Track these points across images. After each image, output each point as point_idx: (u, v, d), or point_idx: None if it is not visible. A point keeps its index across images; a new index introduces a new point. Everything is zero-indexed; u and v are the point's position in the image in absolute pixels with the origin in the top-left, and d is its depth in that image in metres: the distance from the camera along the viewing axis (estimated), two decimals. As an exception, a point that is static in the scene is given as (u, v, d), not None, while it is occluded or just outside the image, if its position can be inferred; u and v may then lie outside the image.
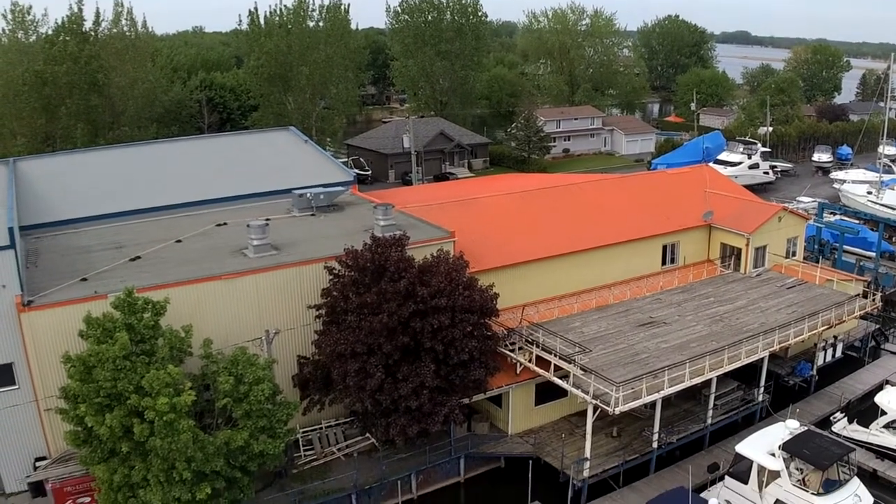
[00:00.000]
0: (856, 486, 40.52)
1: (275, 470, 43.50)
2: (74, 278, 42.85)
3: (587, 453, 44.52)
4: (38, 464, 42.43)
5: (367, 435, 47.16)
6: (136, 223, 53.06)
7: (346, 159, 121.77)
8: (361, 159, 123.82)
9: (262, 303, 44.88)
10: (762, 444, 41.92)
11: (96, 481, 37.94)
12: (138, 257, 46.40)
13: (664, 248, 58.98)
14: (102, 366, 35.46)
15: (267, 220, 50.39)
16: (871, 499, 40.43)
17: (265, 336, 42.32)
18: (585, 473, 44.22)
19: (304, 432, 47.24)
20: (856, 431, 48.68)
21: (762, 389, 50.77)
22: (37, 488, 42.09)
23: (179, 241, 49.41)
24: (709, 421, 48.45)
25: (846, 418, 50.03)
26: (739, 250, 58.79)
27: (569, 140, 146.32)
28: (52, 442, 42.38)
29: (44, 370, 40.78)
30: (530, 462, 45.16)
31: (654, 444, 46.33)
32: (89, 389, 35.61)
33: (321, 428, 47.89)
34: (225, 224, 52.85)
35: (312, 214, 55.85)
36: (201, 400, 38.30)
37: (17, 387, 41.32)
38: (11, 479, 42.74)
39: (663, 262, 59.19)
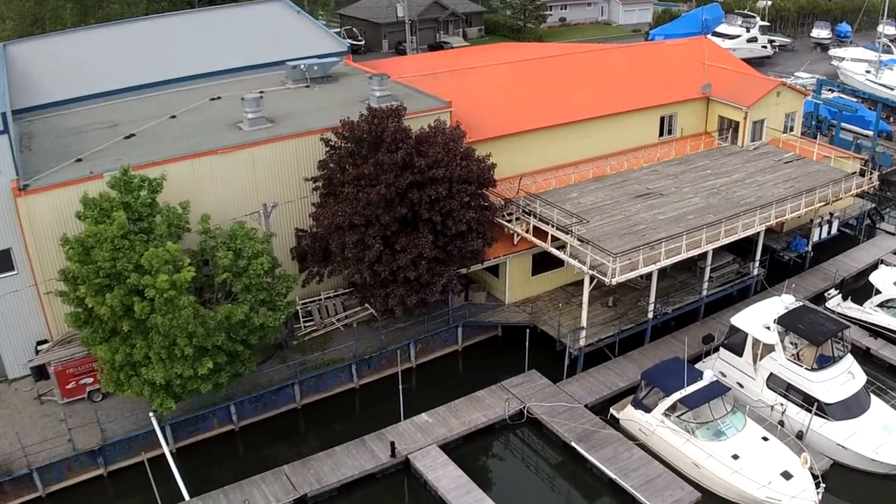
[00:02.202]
0: (849, 363, 41.24)
1: (275, 342, 44.23)
2: (69, 160, 42.31)
3: (583, 323, 45.03)
4: (39, 347, 42.79)
5: (366, 306, 47.72)
6: (129, 101, 52.05)
7: (338, 29, 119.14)
8: (354, 29, 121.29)
9: (258, 176, 44.61)
10: (757, 318, 42.43)
11: (98, 362, 38.39)
12: (133, 135, 45.71)
13: (662, 119, 58.33)
14: (101, 246, 35.34)
15: (261, 92, 49.60)
16: (864, 376, 41.23)
17: (263, 210, 42.18)
18: (581, 342, 44.85)
19: (303, 304, 47.73)
20: (850, 309, 49.22)
21: (757, 263, 51.01)
22: (39, 372, 42.49)
23: (173, 116, 48.60)
24: (704, 293, 48.83)
25: (840, 295, 50.51)
26: (737, 124, 58.22)
27: (565, 9, 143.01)
28: (53, 325, 42.68)
29: (42, 254, 40.72)
30: (527, 331, 45.82)
31: (650, 315, 46.85)
32: (88, 270, 35.58)
33: (320, 299, 48.37)
34: (219, 98, 51.91)
35: (307, 86, 54.96)
36: (201, 275, 38.37)
37: (15, 272, 41.28)
38: (14, 364, 43.19)
39: (661, 134, 58.64)
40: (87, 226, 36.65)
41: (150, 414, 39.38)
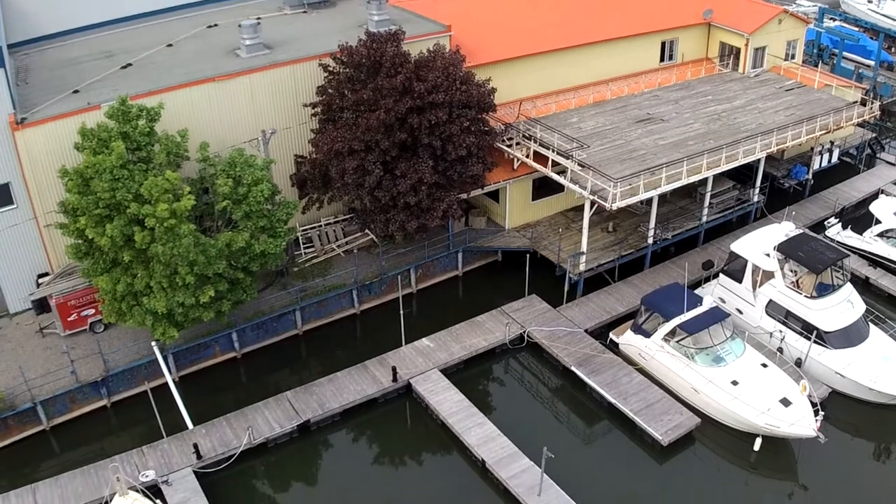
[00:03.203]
0: (848, 291, 41.21)
1: (276, 269, 44.37)
2: (66, 91, 41.85)
3: (583, 248, 45.13)
4: (40, 280, 42.88)
5: (367, 232, 47.82)
6: (125, 30, 51.19)
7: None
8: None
9: (257, 103, 44.35)
10: (757, 245, 42.46)
11: (99, 293, 38.49)
12: (129, 65, 45.14)
13: (663, 44, 57.50)
14: (100, 177, 35.22)
15: (258, 18, 48.82)
16: (864, 305, 41.29)
17: (262, 137, 41.99)
18: (581, 267, 44.98)
19: (303, 231, 47.83)
20: (849, 238, 49.16)
21: (758, 190, 50.87)
22: (41, 305, 42.71)
23: (170, 45, 47.95)
24: (704, 219, 48.82)
25: (840, 224, 50.41)
26: (738, 50, 57.54)
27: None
28: (54, 257, 42.79)
29: (41, 187, 40.66)
30: (527, 256, 45.95)
31: (650, 240, 46.88)
32: (88, 202, 35.54)
33: (320, 226, 48.49)
34: (216, 25, 51.18)
35: (304, 12, 54.18)
36: (200, 204, 38.32)
37: (15, 206, 41.18)
38: (15, 298, 43.28)
39: (661, 59, 57.89)
40: (85, 157, 36.48)
41: (153, 343, 39.63)
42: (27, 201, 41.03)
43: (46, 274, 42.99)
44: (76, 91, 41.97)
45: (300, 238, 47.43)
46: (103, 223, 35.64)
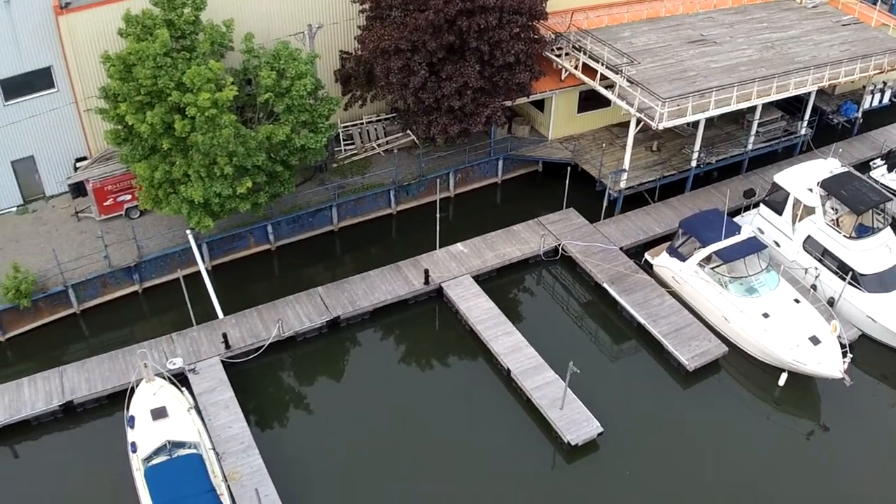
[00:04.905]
0: (888, 236, 40.30)
1: (315, 165, 44.28)
2: (111, -24, 41.56)
3: (626, 165, 44.58)
4: (78, 165, 43.11)
5: (408, 132, 47.40)
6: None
7: None
8: None
9: (304, -4, 44.01)
10: (801, 178, 41.58)
11: (137, 179, 38.62)
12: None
13: (723, -34, 56.11)
14: (143, 63, 35.05)
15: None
16: None
17: (307, 30, 41.47)
18: (622, 185, 44.46)
19: (344, 127, 47.66)
20: (894, 181, 47.89)
21: (805, 123, 49.72)
22: (77, 189, 42.94)
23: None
24: (749, 146, 47.85)
25: (886, 166, 49.06)
26: (797, -21, 55.98)
27: None
28: (93, 142, 42.95)
29: (83, 72, 40.64)
30: (568, 169, 45.54)
31: (693, 163, 46.08)
32: (129, 88, 35.42)
33: (362, 123, 48.25)
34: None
35: None
36: (243, 95, 38.08)
37: (55, 90, 41.19)
38: (52, 181, 43.53)
39: (720, -19, 56.54)
40: (128, 43, 36.27)
41: (187, 231, 39.82)
42: (68, 85, 41.08)
43: (84, 158, 43.18)
44: (124, -24, 41.61)
45: (341, 135, 47.23)
46: (144, 110, 35.61)
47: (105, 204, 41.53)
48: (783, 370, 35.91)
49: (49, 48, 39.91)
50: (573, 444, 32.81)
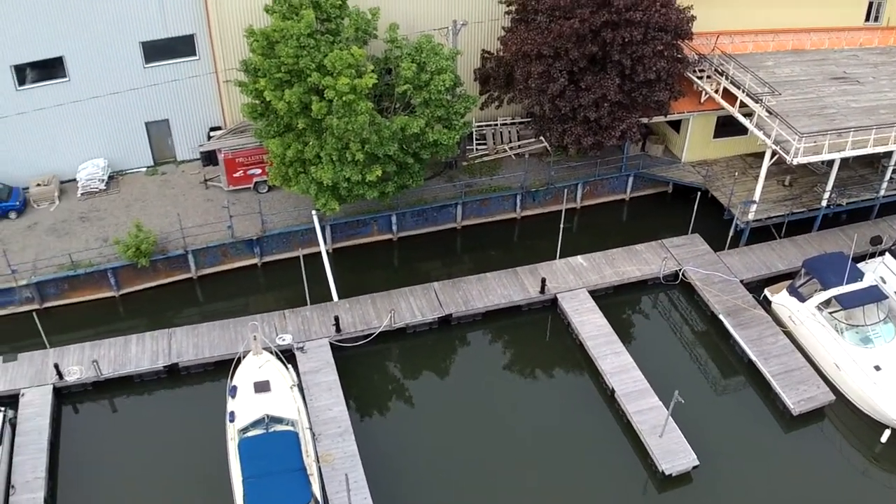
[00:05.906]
0: None
1: (445, 161, 44.57)
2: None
3: (756, 196, 43.62)
4: (211, 133, 44.06)
5: (541, 139, 47.22)
6: None
7: None
8: None
9: (452, -7, 44.15)
10: None
11: (269, 155, 39.22)
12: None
13: (870, 4, 54.33)
14: (286, 42, 35.59)
15: None
16: None
17: (452, 26, 41.76)
18: (751, 216, 43.60)
19: (478, 127, 47.78)
20: None
21: (945, 174, 48.07)
22: (208, 157, 43.96)
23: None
24: (882, 192, 46.29)
25: None
26: (949, 23, 54.04)
27: None
28: (228, 114, 43.92)
29: (225, 43, 41.56)
30: (698, 193, 44.79)
31: (824, 203, 44.89)
32: (270, 64, 36.01)
33: (496, 125, 48.39)
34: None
35: None
36: (381, 84, 38.42)
37: (197, 58, 42.25)
38: (184, 147, 44.74)
39: (866, 19, 54.76)
40: (274, 20, 36.86)
41: (313, 212, 40.42)
42: (210, 55, 42.03)
43: (218, 128, 44.11)
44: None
45: (474, 133, 47.38)
46: (283, 88, 36.15)
47: (235, 175, 42.39)
48: (887, 427, 34.69)
49: (194, 17, 40.92)
50: (667, 473, 32.31)
